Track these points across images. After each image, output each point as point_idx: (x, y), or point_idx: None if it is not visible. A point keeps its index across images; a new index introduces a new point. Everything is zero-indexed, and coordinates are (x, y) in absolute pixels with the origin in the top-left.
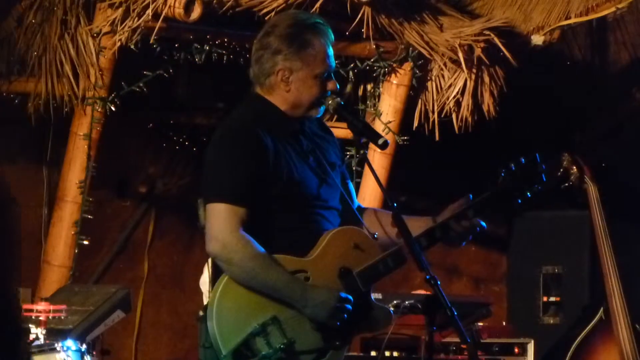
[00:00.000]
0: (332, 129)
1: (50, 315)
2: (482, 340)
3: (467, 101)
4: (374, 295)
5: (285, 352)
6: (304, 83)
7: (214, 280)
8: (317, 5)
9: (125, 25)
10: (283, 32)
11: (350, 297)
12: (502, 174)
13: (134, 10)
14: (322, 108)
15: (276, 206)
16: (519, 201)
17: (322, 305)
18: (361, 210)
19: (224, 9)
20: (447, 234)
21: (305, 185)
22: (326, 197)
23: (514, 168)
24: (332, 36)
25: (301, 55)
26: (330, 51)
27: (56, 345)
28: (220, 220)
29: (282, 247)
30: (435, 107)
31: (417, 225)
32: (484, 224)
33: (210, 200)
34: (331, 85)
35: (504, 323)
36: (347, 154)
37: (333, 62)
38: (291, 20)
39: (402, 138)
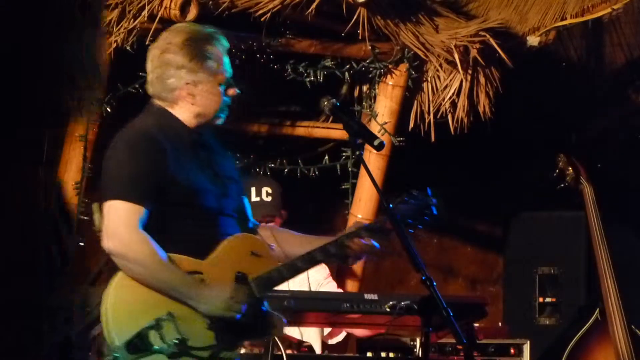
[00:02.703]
0: (328, 130)
1: None
2: (478, 341)
3: (462, 102)
4: (369, 296)
5: (178, 347)
6: (209, 93)
7: None
8: (313, 6)
9: (121, 26)
10: (181, 46)
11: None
12: (398, 204)
13: (129, 12)
14: (224, 115)
15: (175, 210)
16: (410, 230)
17: (217, 299)
18: (256, 225)
19: (220, 10)
20: (342, 250)
21: (203, 193)
22: (224, 206)
23: (407, 199)
24: (227, 44)
25: (204, 67)
26: (227, 58)
27: None
28: (118, 218)
29: (180, 250)
30: (431, 108)
31: (316, 242)
32: (377, 244)
33: (109, 198)
34: (231, 91)
35: (499, 324)
36: (343, 155)
37: (230, 68)
38: (187, 35)
39: (398, 139)
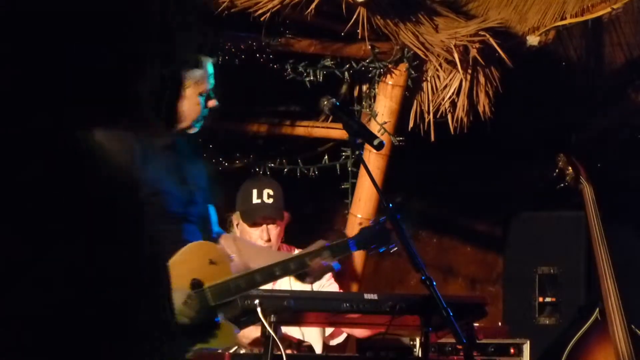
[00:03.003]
0: (327, 130)
1: None
2: (477, 341)
3: (462, 102)
4: (369, 296)
5: None
6: (190, 100)
7: None
8: (312, 6)
9: None
10: None
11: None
12: (362, 228)
13: None
14: (199, 125)
15: None
16: (370, 253)
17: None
18: (219, 234)
19: (219, 9)
20: (301, 268)
21: (169, 196)
22: (188, 213)
23: (371, 224)
24: (214, 55)
25: (190, 73)
26: (211, 69)
27: None
28: None
29: None
30: (431, 108)
31: (278, 256)
32: (337, 266)
33: None
34: (211, 103)
35: (499, 324)
36: (342, 155)
37: (213, 80)
38: None
39: (398, 139)
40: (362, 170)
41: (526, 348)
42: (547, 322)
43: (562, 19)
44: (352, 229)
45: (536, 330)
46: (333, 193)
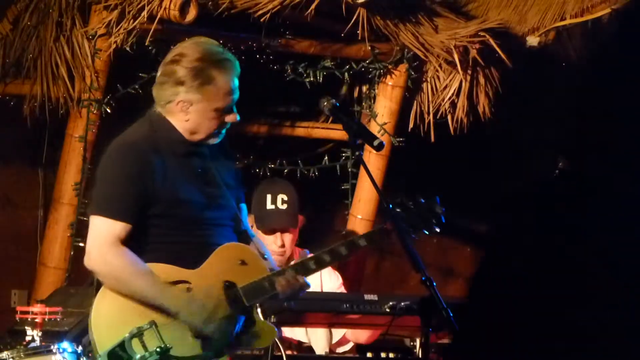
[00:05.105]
0: (327, 131)
1: (46, 317)
2: None
3: (462, 102)
4: (369, 297)
5: (161, 355)
6: (202, 115)
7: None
8: (313, 6)
9: (121, 27)
10: (189, 64)
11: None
12: (399, 210)
13: (129, 12)
14: (221, 137)
15: (160, 223)
16: (413, 236)
17: (199, 311)
18: (250, 233)
19: (219, 10)
20: (337, 259)
21: (191, 204)
22: (216, 216)
23: (412, 207)
24: (239, 69)
25: (202, 90)
26: (235, 86)
27: (52, 347)
28: (95, 234)
29: (168, 260)
30: (431, 109)
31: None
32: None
33: (92, 212)
34: (230, 118)
35: None
36: (342, 156)
37: (236, 96)
38: (199, 54)
39: (398, 139)
40: (362, 171)
41: None
42: None
43: (562, 19)
44: (352, 229)
45: None
46: (333, 194)
